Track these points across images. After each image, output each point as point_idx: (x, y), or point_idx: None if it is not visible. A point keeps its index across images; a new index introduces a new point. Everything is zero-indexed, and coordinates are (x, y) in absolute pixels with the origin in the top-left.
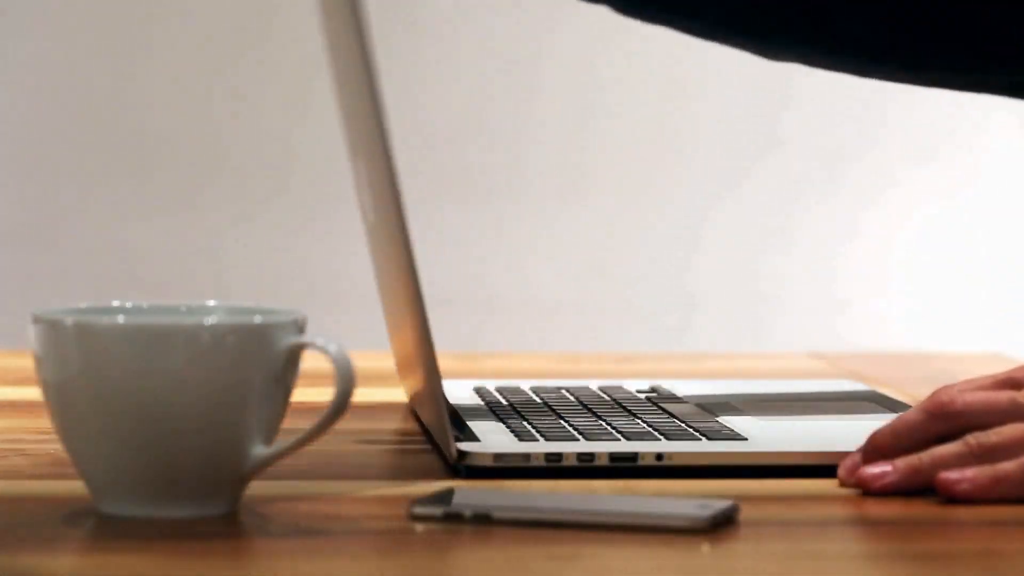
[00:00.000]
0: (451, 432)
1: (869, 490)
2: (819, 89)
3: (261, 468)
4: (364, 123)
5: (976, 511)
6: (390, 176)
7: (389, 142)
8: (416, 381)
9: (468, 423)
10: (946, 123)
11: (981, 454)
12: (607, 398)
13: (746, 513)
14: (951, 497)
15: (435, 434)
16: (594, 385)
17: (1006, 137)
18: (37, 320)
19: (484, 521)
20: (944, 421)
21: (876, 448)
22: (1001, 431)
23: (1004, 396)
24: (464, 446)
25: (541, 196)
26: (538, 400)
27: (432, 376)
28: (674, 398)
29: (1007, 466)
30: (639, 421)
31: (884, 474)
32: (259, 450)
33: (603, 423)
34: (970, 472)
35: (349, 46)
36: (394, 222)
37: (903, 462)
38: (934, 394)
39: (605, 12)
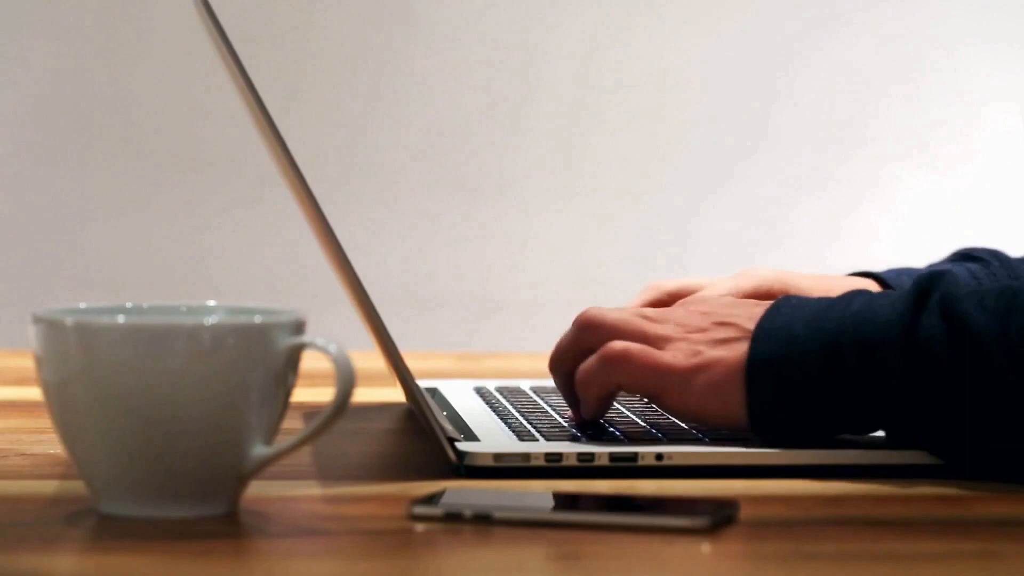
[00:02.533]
0: (438, 423)
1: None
2: (811, 85)
3: (261, 468)
4: (266, 137)
5: (976, 511)
6: (302, 182)
7: (286, 145)
8: (398, 381)
9: (468, 423)
10: (940, 119)
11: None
12: None
13: (746, 513)
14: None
15: (424, 425)
16: None
17: (1000, 133)
18: (37, 320)
19: (484, 521)
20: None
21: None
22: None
23: (626, 314)
24: (464, 446)
25: (540, 196)
26: (538, 400)
27: (405, 373)
28: None
29: (584, 365)
30: (639, 421)
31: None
32: (259, 450)
33: (603, 423)
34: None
35: (224, 55)
36: (320, 225)
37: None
38: (586, 315)
39: (601, 12)
